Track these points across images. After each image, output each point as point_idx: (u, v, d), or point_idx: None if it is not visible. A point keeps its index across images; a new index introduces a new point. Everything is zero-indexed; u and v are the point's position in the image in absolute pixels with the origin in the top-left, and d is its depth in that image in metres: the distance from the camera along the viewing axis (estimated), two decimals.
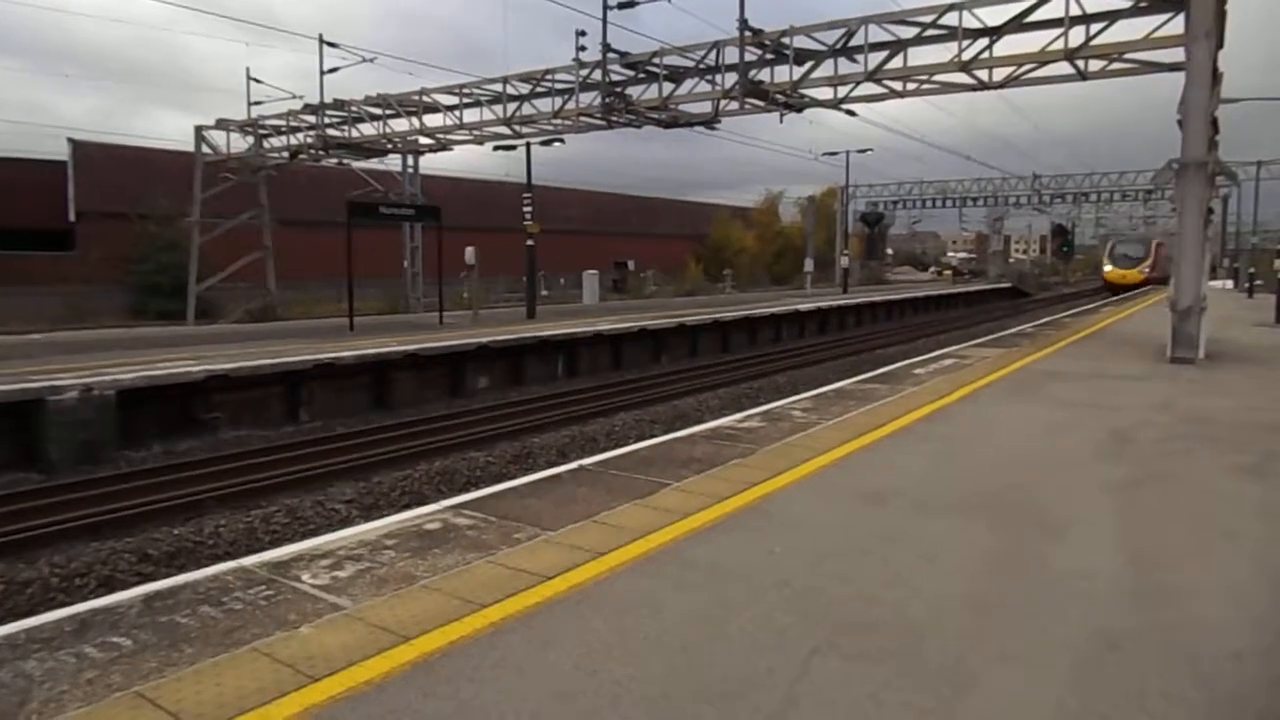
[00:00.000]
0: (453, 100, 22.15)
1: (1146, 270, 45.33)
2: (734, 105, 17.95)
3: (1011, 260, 69.69)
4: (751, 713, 2.72)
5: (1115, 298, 37.07)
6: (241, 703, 2.73)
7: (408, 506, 7.21)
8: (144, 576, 6.21)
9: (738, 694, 2.83)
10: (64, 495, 8.12)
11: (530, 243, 23.37)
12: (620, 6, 18.63)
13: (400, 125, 23.36)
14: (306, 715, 2.68)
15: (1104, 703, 2.77)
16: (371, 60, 23.84)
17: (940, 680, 2.92)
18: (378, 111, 23.27)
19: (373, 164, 27.63)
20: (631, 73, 19.20)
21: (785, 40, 16.99)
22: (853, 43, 16.43)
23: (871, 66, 16.28)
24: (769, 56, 17.55)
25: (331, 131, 24.47)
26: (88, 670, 2.96)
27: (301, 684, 2.86)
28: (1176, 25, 12.99)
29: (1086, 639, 3.24)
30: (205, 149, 27.18)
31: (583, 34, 18.89)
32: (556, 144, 23.09)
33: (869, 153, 41.93)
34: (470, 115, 22.06)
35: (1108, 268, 48.47)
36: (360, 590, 3.71)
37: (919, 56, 16.11)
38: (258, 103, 25.42)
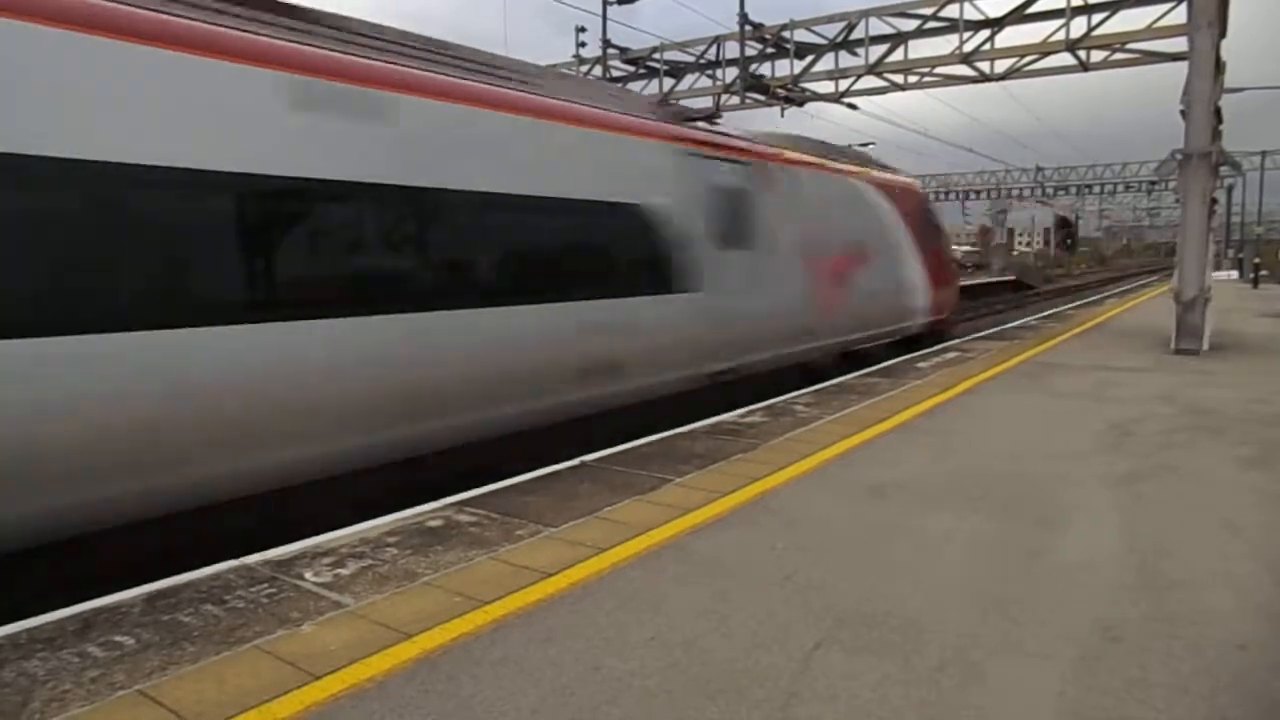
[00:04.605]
0: None
1: None
2: (735, 100, 17.92)
3: (1015, 253, 69.43)
4: (753, 708, 2.71)
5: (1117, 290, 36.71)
6: (243, 701, 2.74)
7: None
8: None
9: (740, 689, 2.82)
10: None
11: None
12: (620, 2, 18.60)
13: None
14: (308, 713, 2.69)
15: (1107, 694, 2.77)
16: None
17: (942, 673, 2.92)
18: None
19: None
20: (632, 68, 19.21)
21: (786, 34, 17.00)
22: (853, 36, 16.42)
23: (872, 60, 16.28)
24: (770, 51, 17.57)
25: None
26: (90, 669, 2.96)
27: (303, 682, 2.86)
28: (1179, 14, 12.94)
29: (1089, 630, 3.23)
30: None
31: (583, 30, 18.90)
32: None
33: (871, 146, 41.85)
34: None
35: None
36: (362, 588, 3.72)
37: (920, 49, 16.10)
38: None
